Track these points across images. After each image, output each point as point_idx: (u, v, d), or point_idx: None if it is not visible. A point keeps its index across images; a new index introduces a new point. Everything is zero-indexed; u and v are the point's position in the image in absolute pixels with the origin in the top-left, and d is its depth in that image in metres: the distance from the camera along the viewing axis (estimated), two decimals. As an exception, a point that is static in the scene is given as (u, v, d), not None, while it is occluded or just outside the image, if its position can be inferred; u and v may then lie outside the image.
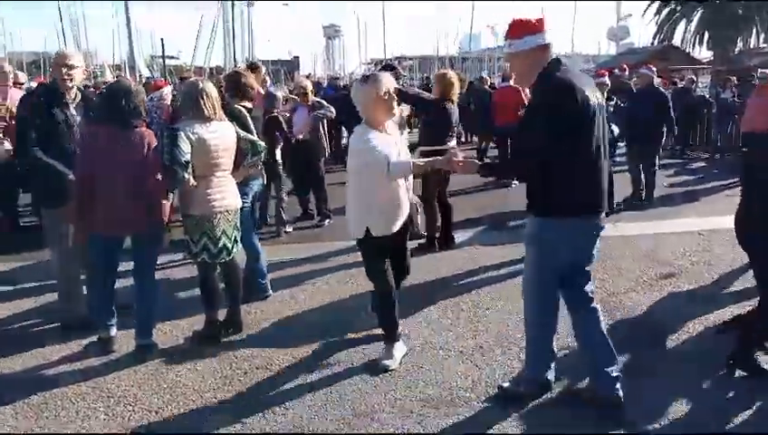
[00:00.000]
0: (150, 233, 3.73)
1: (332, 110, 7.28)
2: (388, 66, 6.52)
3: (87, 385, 3.42)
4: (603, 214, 3.01)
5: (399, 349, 3.63)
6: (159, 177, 3.63)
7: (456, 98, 5.83)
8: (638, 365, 3.53)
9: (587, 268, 3.11)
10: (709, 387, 3.31)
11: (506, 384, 3.23)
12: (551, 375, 3.19)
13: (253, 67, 6.77)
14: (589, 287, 3.13)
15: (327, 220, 7.11)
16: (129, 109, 3.56)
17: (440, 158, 3.41)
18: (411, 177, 3.70)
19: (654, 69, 8.40)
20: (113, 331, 3.82)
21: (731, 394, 3.23)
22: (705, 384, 3.34)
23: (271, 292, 4.74)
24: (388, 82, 3.47)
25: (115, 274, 3.81)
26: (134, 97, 3.61)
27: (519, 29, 2.94)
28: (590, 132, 2.84)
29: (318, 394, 3.29)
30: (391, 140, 3.48)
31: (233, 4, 35.39)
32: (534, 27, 2.93)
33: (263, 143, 4.16)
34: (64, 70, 3.96)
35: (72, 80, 4.00)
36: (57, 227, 3.98)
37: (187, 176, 3.56)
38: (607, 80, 8.06)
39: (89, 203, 3.55)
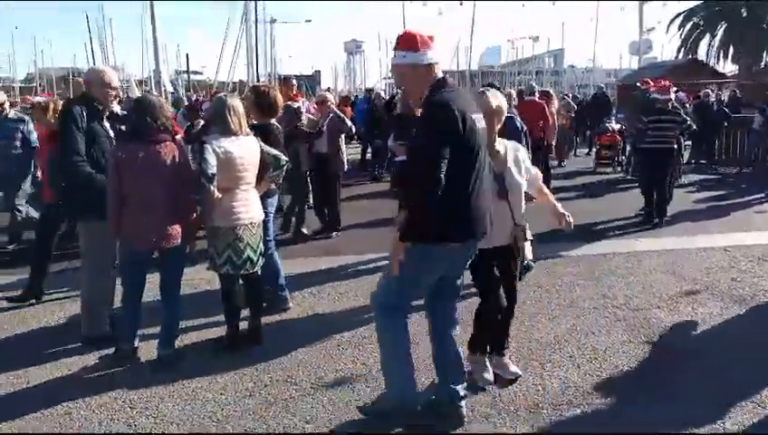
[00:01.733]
0: (178, 247, 3.77)
1: (349, 124, 7.42)
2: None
3: (109, 395, 3.45)
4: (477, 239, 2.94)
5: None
6: (189, 192, 3.70)
7: None
8: (658, 384, 3.47)
9: (457, 282, 3.10)
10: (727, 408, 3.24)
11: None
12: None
13: (285, 80, 6.93)
14: (455, 303, 3.16)
15: (335, 233, 7.22)
16: (156, 124, 3.63)
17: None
18: None
19: (665, 84, 8.22)
20: (137, 342, 3.87)
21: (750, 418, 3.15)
22: (724, 405, 3.26)
23: (291, 304, 4.76)
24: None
25: (143, 287, 3.85)
26: (161, 112, 3.68)
27: (405, 43, 2.85)
28: (468, 156, 2.76)
29: (339, 406, 3.29)
30: None
31: (256, 22, 35.92)
32: (417, 44, 2.81)
33: (285, 157, 4.20)
34: (107, 90, 4.07)
35: (113, 99, 4.16)
36: (93, 241, 4.03)
37: (212, 188, 3.62)
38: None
39: (120, 218, 3.62)
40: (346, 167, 7.75)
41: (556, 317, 4.50)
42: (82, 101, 4.05)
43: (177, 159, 3.68)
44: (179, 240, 3.73)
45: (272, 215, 4.69)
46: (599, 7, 63.06)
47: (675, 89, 8.35)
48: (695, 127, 8.20)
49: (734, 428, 3.04)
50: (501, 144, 3.39)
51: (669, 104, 7.76)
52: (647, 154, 7.93)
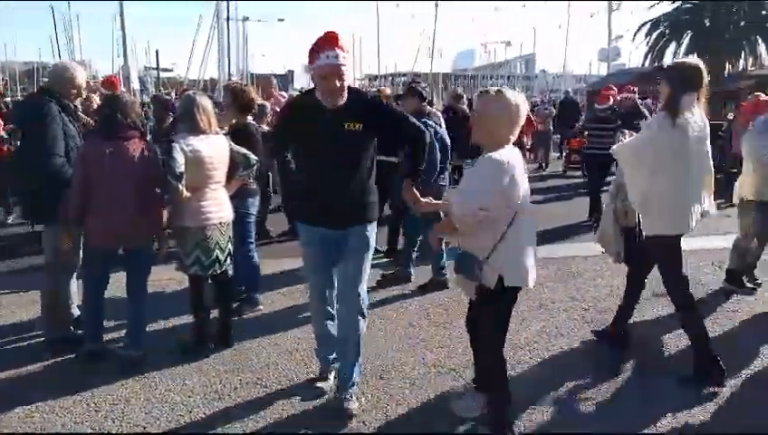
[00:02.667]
0: (144, 246, 3.72)
1: None
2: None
3: (74, 399, 3.37)
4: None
5: None
6: (157, 189, 3.64)
7: None
8: (626, 384, 3.54)
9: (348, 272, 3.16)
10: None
11: None
12: None
13: (265, 78, 6.90)
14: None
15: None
16: (125, 120, 3.56)
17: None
18: None
19: (635, 89, 8.65)
20: (101, 344, 3.79)
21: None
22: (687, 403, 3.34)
23: (261, 306, 4.72)
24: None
25: (105, 286, 3.79)
26: (131, 108, 3.62)
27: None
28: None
29: (309, 408, 3.27)
30: None
31: (228, 20, 35.51)
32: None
33: (255, 157, 4.16)
34: (73, 91, 3.97)
35: (75, 97, 4.06)
36: (54, 242, 3.89)
37: (181, 187, 3.56)
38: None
39: (85, 216, 3.55)
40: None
41: (526, 319, 4.55)
42: (48, 96, 3.88)
43: (145, 157, 3.61)
44: (145, 239, 3.68)
45: (253, 216, 4.65)
46: (569, 13, 64.08)
47: (635, 96, 8.66)
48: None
49: (698, 426, 3.12)
50: None
51: (608, 112, 8.16)
52: (588, 159, 8.46)
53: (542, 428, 3.12)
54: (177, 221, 3.76)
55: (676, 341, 4.13)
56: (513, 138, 2.83)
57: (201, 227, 3.73)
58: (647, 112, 8.29)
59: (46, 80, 4.29)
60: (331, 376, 3.43)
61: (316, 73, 2.99)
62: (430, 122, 5.08)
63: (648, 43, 29.43)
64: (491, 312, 2.91)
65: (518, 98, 2.79)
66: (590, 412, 3.27)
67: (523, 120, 2.85)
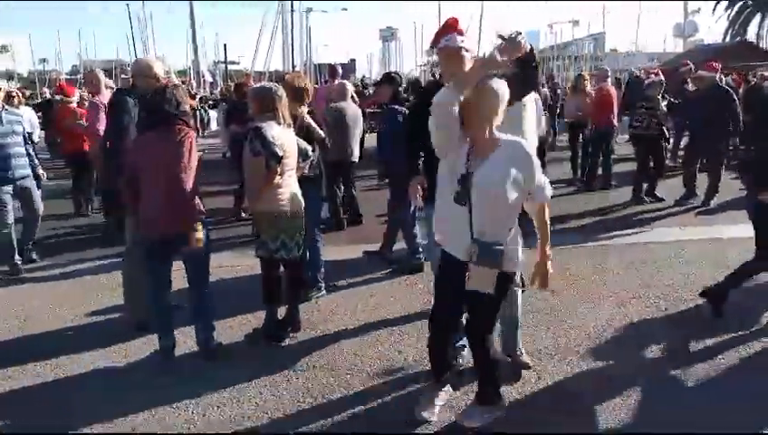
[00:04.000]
0: (189, 233, 3.53)
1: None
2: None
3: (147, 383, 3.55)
4: None
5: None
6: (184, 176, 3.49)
7: None
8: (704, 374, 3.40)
9: None
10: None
11: None
12: None
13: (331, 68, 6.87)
14: None
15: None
16: (174, 110, 3.54)
17: None
18: None
19: (717, 66, 8.03)
20: (172, 339, 3.78)
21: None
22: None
23: (324, 292, 4.82)
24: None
25: (166, 278, 3.73)
26: (179, 99, 3.58)
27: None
28: None
29: (380, 393, 3.31)
30: None
31: (292, 12, 36.03)
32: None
33: (311, 148, 4.25)
34: (153, 81, 4.10)
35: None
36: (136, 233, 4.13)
37: (278, 169, 3.69)
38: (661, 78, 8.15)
39: (137, 205, 3.63)
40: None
41: (596, 307, 4.43)
42: (131, 92, 4.09)
43: (184, 145, 3.50)
44: (183, 226, 3.51)
45: (318, 203, 4.72)
46: (642, -11, 60.97)
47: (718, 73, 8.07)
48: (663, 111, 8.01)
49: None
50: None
51: (653, 90, 7.94)
52: (634, 139, 8.32)
53: (607, 416, 3.04)
54: (263, 207, 3.83)
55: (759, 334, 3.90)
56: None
57: (286, 211, 3.85)
58: (732, 93, 7.74)
59: (124, 77, 4.51)
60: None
61: (438, 55, 3.25)
62: (401, 109, 5.70)
63: (729, 15, 27.74)
64: (499, 300, 2.83)
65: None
66: (658, 401, 3.16)
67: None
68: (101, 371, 3.70)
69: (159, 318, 3.79)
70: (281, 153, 3.68)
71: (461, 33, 3.16)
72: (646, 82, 8.76)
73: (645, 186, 8.07)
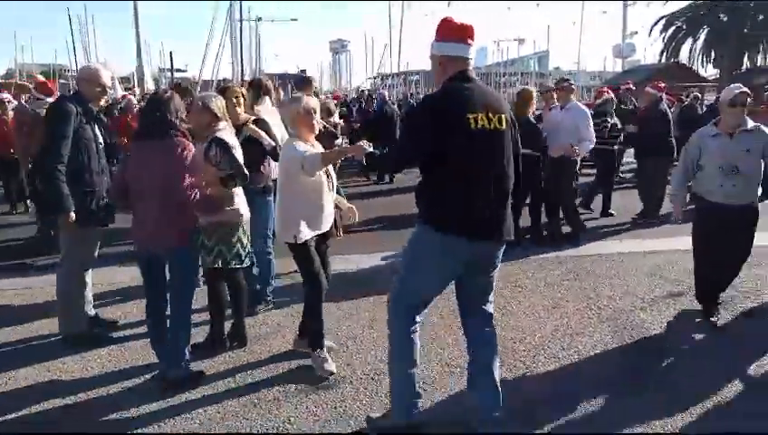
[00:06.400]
0: (180, 249, 3.47)
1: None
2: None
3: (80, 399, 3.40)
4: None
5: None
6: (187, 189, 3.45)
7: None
8: (639, 382, 3.50)
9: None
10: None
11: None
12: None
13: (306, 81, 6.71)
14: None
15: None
16: (166, 119, 3.43)
17: (345, 146, 3.69)
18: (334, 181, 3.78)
19: (661, 86, 8.35)
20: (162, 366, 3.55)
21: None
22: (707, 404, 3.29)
23: (272, 305, 4.73)
24: (310, 101, 3.60)
25: (158, 295, 3.55)
26: (168, 108, 3.46)
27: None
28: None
29: (323, 408, 3.26)
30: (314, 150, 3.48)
31: (241, 20, 35.68)
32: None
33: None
34: (98, 90, 4.00)
35: (102, 99, 4.10)
36: (72, 240, 3.99)
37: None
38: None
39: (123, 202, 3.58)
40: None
41: (541, 318, 4.52)
42: (76, 100, 3.94)
43: (179, 156, 3.40)
44: (176, 241, 3.44)
45: (271, 212, 4.62)
46: (583, 10, 63.39)
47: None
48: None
49: (720, 427, 3.07)
50: None
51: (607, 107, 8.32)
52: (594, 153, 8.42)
53: (554, 427, 3.09)
54: (221, 217, 3.69)
55: (693, 344, 4.06)
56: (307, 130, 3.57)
57: (240, 222, 3.77)
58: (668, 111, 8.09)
59: (63, 81, 4.35)
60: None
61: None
62: None
63: (663, 38, 29.13)
64: None
65: None
66: (604, 411, 3.23)
67: None
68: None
69: (153, 336, 3.60)
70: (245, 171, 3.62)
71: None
72: (597, 101, 9.01)
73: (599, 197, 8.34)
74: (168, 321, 3.56)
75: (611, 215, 8.22)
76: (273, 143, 4.34)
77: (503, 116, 2.74)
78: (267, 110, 4.84)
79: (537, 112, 7.68)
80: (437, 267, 2.78)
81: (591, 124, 6.66)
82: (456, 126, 2.61)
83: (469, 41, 2.78)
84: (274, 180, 4.22)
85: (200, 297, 4.03)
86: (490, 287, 2.97)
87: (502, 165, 2.74)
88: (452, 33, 2.77)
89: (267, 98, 4.97)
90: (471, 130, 2.61)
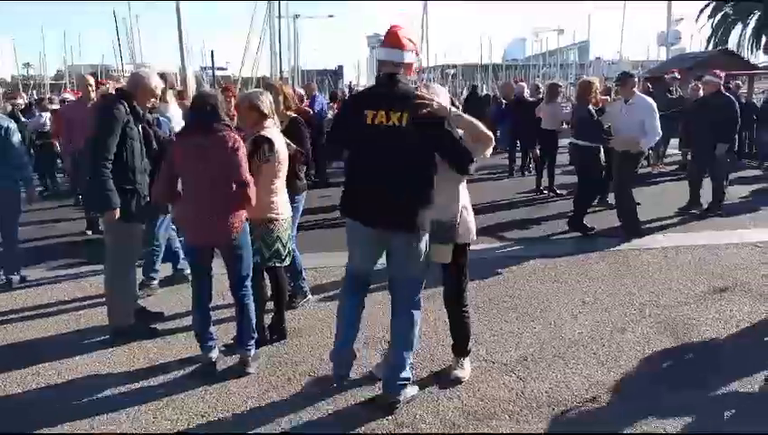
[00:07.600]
0: (233, 243, 3.54)
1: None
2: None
3: (134, 388, 3.53)
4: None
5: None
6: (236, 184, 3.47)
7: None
8: (686, 380, 3.42)
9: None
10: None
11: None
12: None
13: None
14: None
15: None
16: (215, 114, 3.47)
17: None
18: None
19: (721, 74, 7.88)
20: (213, 353, 3.67)
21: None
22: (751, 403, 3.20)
23: (310, 296, 4.80)
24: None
25: (205, 290, 3.65)
26: (218, 103, 3.51)
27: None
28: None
29: (361, 402, 3.30)
30: None
31: (279, 17, 36.00)
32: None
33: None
34: (148, 93, 4.14)
35: (151, 104, 4.27)
36: (117, 238, 4.11)
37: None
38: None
39: (165, 195, 3.65)
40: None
41: (580, 314, 4.46)
42: (124, 100, 4.05)
43: (228, 152, 3.42)
44: (234, 235, 3.50)
45: (299, 211, 4.73)
46: (626, -2, 61.70)
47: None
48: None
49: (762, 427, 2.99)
50: None
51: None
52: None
53: (591, 425, 3.05)
54: (264, 213, 3.76)
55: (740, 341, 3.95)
56: None
57: (285, 218, 3.86)
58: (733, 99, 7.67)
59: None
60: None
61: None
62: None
63: (711, 25, 28.15)
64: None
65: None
66: (641, 409, 3.18)
67: None
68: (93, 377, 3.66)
69: (198, 328, 3.67)
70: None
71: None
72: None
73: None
74: (210, 314, 3.68)
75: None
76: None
77: (404, 114, 2.97)
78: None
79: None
80: (350, 244, 3.30)
81: (657, 117, 6.52)
82: (354, 120, 3.08)
83: (395, 46, 3.09)
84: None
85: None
86: (404, 274, 3.19)
87: (391, 159, 3.02)
88: (384, 39, 3.15)
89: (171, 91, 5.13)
90: (366, 124, 3.02)
